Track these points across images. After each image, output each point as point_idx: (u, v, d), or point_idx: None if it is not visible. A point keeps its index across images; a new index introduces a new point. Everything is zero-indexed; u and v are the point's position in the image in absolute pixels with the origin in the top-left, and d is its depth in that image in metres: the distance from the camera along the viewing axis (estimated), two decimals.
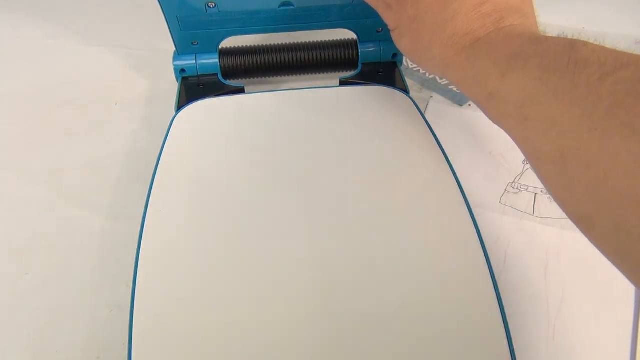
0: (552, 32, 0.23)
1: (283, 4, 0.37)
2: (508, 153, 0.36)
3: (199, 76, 0.40)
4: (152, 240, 0.27)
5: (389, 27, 0.31)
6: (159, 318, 0.24)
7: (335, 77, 0.41)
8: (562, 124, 0.18)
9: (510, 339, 0.23)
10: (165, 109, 0.39)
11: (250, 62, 0.40)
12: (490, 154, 0.37)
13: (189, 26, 0.37)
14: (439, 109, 0.40)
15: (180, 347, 0.23)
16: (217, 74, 0.40)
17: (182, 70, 0.40)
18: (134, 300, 0.24)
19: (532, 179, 0.35)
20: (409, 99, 0.36)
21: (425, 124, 0.33)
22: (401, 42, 0.30)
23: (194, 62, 0.39)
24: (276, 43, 0.41)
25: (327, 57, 0.40)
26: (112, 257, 0.31)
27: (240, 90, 0.39)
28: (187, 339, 0.23)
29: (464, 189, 0.29)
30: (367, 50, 0.40)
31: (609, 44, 0.19)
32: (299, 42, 0.41)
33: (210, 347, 0.23)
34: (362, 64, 0.40)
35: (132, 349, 0.23)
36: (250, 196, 0.29)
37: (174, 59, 0.40)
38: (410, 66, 0.44)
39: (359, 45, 0.40)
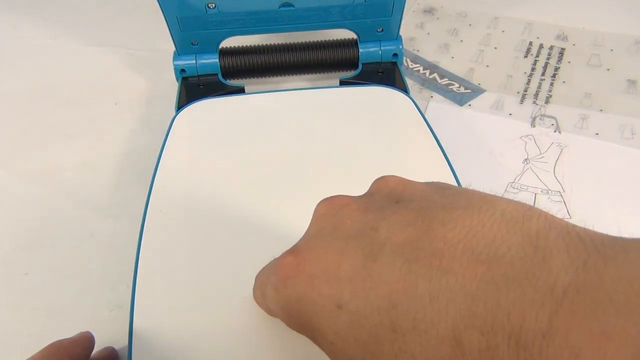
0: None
1: (283, 5, 0.37)
2: (508, 153, 0.36)
3: (199, 76, 0.40)
4: (152, 240, 0.27)
5: None
6: (159, 318, 0.24)
7: (335, 77, 0.41)
8: None
9: None
10: (165, 109, 0.39)
11: (250, 62, 0.40)
12: (490, 154, 0.37)
13: (189, 26, 0.37)
14: (439, 109, 0.40)
15: (181, 347, 0.23)
16: (217, 74, 0.40)
17: (182, 70, 0.40)
18: (134, 300, 0.24)
19: (532, 179, 0.35)
20: (409, 99, 0.36)
21: (425, 124, 0.33)
22: None
23: (194, 62, 0.39)
24: (276, 43, 0.41)
25: (327, 57, 0.40)
26: (112, 257, 0.31)
27: (240, 90, 0.39)
28: (187, 339, 0.23)
29: None
30: (367, 50, 0.40)
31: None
32: (299, 42, 0.41)
33: (210, 348, 0.23)
34: (362, 64, 0.40)
35: (132, 349, 0.23)
36: (250, 196, 0.29)
37: (174, 59, 0.40)
38: (410, 66, 0.45)
39: (359, 45, 0.40)
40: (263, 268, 0.22)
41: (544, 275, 0.13)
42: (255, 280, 0.22)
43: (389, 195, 0.18)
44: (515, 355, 0.12)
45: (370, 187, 0.20)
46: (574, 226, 0.14)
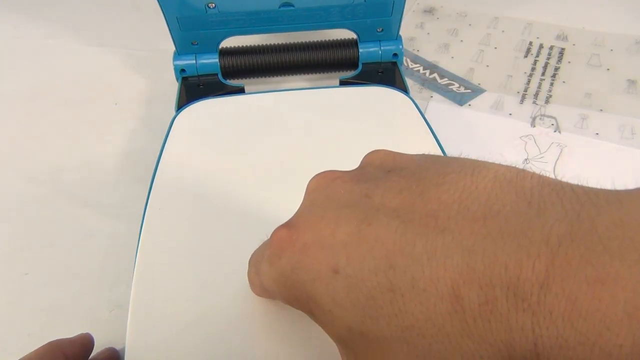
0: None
1: (283, 5, 0.37)
2: (508, 153, 0.36)
3: (199, 76, 0.40)
4: (152, 240, 0.27)
5: None
6: (157, 318, 0.24)
7: (335, 77, 0.41)
8: None
9: None
10: (165, 109, 0.39)
11: (250, 62, 0.40)
12: (490, 154, 0.36)
13: (188, 26, 0.37)
14: (439, 109, 0.40)
15: (178, 347, 0.23)
16: (217, 74, 0.40)
17: (182, 70, 0.40)
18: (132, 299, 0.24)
19: None
20: (409, 99, 0.36)
21: (425, 124, 0.33)
22: None
23: (194, 62, 0.39)
24: (276, 43, 0.41)
25: (327, 57, 0.40)
26: (112, 257, 0.31)
27: (240, 90, 0.39)
28: (187, 339, 0.23)
29: None
30: (367, 50, 0.40)
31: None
32: (299, 42, 0.41)
33: (210, 348, 0.23)
34: (362, 64, 0.40)
35: (128, 349, 0.23)
36: (249, 196, 0.29)
37: (174, 59, 0.40)
38: (410, 66, 0.45)
39: (359, 45, 0.40)
40: (257, 248, 0.22)
41: (539, 228, 0.13)
42: (250, 261, 0.22)
43: (381, 166, 0.18)
44: (514, 306, 0.12)
45: (361, 161, 0.20)
46: (567, 182, 0.14)
